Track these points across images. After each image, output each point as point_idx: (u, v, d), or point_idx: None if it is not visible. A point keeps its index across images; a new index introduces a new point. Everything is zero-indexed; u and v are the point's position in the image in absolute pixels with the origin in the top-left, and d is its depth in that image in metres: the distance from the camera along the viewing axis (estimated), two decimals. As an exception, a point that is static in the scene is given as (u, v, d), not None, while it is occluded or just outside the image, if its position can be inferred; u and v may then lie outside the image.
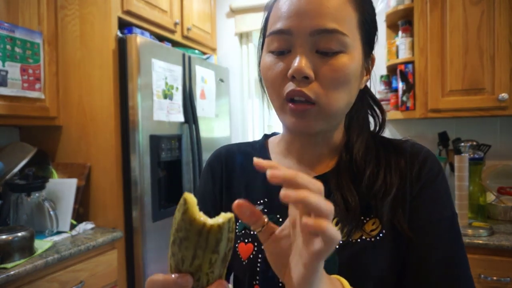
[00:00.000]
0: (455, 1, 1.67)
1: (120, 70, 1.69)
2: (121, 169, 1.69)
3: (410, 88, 1.80)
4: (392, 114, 1.98)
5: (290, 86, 0.52)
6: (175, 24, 2.07)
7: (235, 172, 0.67)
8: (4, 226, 1.40)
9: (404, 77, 1.82)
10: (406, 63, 1.82)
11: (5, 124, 1.62)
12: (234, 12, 2.57)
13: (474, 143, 1.77)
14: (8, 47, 1.49)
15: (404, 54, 1.85)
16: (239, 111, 2.62)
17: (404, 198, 0.56)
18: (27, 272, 1.21)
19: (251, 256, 0.58)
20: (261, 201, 0.62)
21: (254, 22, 2.52)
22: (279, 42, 0.53)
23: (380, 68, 2.19)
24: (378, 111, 0.65)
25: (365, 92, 0.65)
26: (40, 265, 1.25)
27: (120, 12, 1.70)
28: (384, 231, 0.54)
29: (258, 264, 0.57)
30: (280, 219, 0.59)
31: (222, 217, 0.36)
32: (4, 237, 1.24)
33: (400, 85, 1.85)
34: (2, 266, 1.19)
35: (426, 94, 1.73)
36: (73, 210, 1.61)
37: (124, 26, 1.76)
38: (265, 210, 0.61)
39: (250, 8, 2.51)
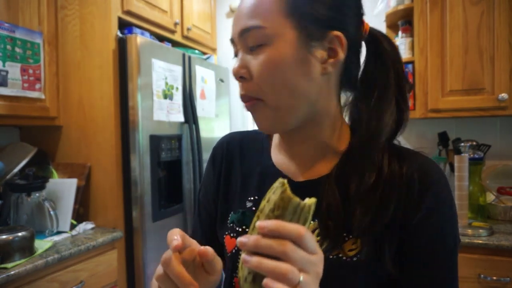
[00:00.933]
0: (455, 1, 1.67)
1: (120, 70, 1.69)
2: (121, 169, 1.69)
3: (410, 88, 1.80)
4: (392, 114, 1.98)
5: (240, 93, 0.55)
6: (175, 24, 2.07)
7: (235, 161, 0.67)
8: (4, 226, 1.40)
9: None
10: (406, 63, 1.82)
11: (5, 124, 1.63)
12: (234, 12, 2.57)
13: (474, 143, 1.77)
14: (8, 47, 1.50)
15: (404, 54, 1.85)
16: (239, 111, 2.62)
17: (394, 229, 0.52)
18: (27, 272, 1.21)
19: (234, 251, 0.60)
20: (252, 198, 0.62)
21: (254, 22, 2.52)
22: (233, 49, 0.57)
23: (380, 68, 2.19)
24: (403, 106, 0.56)
25: (386, 82, 0.56)
26: (40, 265, 1.25)
27: (120, 12, 1.70)
28: (362, 253, 0.51)
29: (238, 260, 0.57)
30: None
31: (309, 200, 0.40)
32: (4, 237, 1.24)
33: (400, 85, 1.85)
34: (3, 266, 1.19)
35: (426, 94, 1.73)
36: (73, 210, 1.61)
37: (124, 26, 1.76)
38: (253, 208, 0.60)
39: (250, 8, 2.51)
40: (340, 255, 0.52)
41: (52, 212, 1.51)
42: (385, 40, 0.58)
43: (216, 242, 0.64)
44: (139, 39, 1.67)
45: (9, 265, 1.19)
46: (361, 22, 0.56)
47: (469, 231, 1.46)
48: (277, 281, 0.35)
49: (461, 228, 1.49)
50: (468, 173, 1.53)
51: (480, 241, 1.40)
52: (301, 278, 0.36)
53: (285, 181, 0.39)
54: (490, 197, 1.78)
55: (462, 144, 1.74)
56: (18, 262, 1.22)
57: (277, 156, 0.63)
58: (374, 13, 2.11)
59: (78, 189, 1.65)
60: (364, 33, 0.57)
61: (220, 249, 0.61)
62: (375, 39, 0.58)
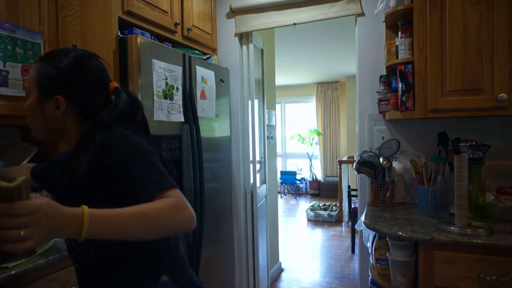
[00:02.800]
0: (455, 1, 1.67)
1: (120, 70, 1.69)
2: (122, 169, 1.69)
3: (409, 88, 1.81)
4: (392, 114, 1.98)
5: None
6: (176, 24, 2.08)
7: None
8: (5, 226, 1.41)
9: (403, 77, 1.82)
10: (405, 63, 1.82)
11: (6, 124, 1.63)
12: (234, 12, 2.58)
13: (474, 143, 1.77)
14: (9, 47, 1.50)
15: (403, 54, 1.86)
16: (239, 111, 2.63)
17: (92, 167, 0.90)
18: (28, 272, 1.21)
19: None
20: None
21: (254, 23, 2.52)
22: None
23: (379, 68, 2.20)
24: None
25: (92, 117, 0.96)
26: (41, 265, 1.25)
27: (121, 12, 1.70)
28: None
29: None
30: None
31: (17, 180, 0.62)
32: (5, 236, 1.24)
33: (400, 85, 1.86)
34: (3, 265, 1.19)
35: (425, 94, 1.74)
36: (73, 210, 1.61)
37: (124, 26, 1.76)
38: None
39: (250, 8, 2.51)
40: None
41: (52, 212, 1.51)
42: (117, 90, 1.00)
43: None
44: (140, 39, 1.68)
45: (9, 264, 1.20)
46: (95, 86, 0.99)
47: (469, 231, 1.47)
48: (1, 242, 0.61)
49: (460, 228, 1.49)
50: (468, 173, 1.53)
51: (480, 241, 1.40)
52: (22, 233, 0.61)
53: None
54: (490, 197, 1.78)
55: (462, 144, 1.74)
56: (18, 262, 1.23)
57: None
58: (373, 13, 2.11)
59: (79, 189, 1.65)
60: (109, 89, 1.00)
61: None
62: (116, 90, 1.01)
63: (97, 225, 0.71)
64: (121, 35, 1.70)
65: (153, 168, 0.87)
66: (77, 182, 0.88)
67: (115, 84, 1.01)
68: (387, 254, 1.68)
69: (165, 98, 1.83)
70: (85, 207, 0.71)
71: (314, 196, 7.69)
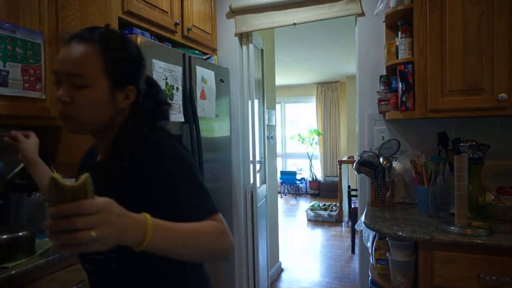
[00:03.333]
0: (455, 1, 1.67)
1: (120, 70, 1.69)
2: (122, 169, 1.69)
3: (409, 88, 1.81)
4: (392, 114, 1.98)
5: (59, 108, 0.83)
6: (176, 24, 2.08)
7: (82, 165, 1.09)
8: (5, 226, 1.41)
9: (403, 77, 1.82)
10: (405, 63, 1.82)
11: (6, 124, 1.63)
12: (234, 12, 2.57)
13: (474, 143, 1.77)
14: (9, 47, 1.50)
15: (403, 54, 1.85)
16: (239, 111, 2.63)
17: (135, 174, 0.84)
18: (28, 272, 1.21)
19: None
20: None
21: (254, 23, 2.52)
22: (56, 77, 0.84)
23: (379, 68, 2.20)
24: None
25: (140, 108, 0.91)
26: (41, 265, 1.25)
27: (121, 12, 1.70)
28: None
29: None
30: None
31: (81, 177, 0.56)
32: (5, 236, 1.24)
33: (400, 85, 1.85)
34: (3, 265, 1.19)
35: (425, 94, 1.74)
36: (73, 210, 1.61)
37: (124, 26, 1.76)
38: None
39: (250, 8, 2.51)
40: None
41: (52, 212, 1.51)
42: (150, 79, 0.96)
43: None
44: (140, 39, 1.68)
45: (9, 264, 1.20)
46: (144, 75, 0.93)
47: (469, 231, 1.46)
48: (75, 246, 0.55)
49: (460, 228, 1.49)
50: (468, 173, 1.53)
51: (480, 241, 1.40)
52: (94, 234, 0.55)
53: (56, 176, 0.54)
54: (490, 197, 1.78)
55: (462, 144, 1.74)
56: (18, 262, 1.23)
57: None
58: (373, 13, 2.11)
59: (79, 189, 1.65)
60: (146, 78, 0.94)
61: None
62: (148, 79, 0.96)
63: (158, 236, 0.66)
64: (121, 35, 1.70)
65: (201, 189, 0.82)
66: (113, 184, 0.82)
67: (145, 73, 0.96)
68: (387, 254, 1.68)
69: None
70: (147, 215, 0.66)
71: (314, 196, 7.69)
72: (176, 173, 0.81)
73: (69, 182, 0.55)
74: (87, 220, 0.55)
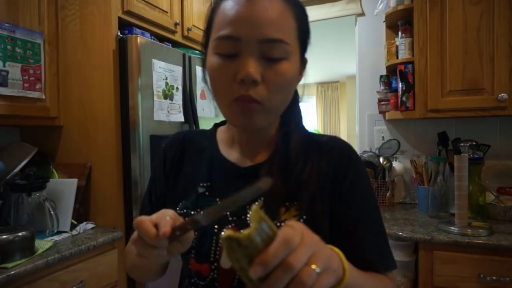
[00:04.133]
0: (455, 1, 1.67)
1: (120, 70, 1.69)
2: (122, 169, 1.69)
3: (409, 88, 1.80)
4: (392, 114, 1.98)
5: (239, 90, 0.58)
6: (175, 24, 2.07)
7: (186, 156, 0.75)
8: (5, 226, 1.41)
9: (403, 77, 1.82)
10: (405, 63, 1.82)
11: (6, 124, 1.63)
12: (234, 12, 2.57)
13: (474, 143, 1.77)
14: (8, 47, 1.50)
15: (403, 54, 1.85)
16: (239, 111, 2.62)
17: (324, 190, 0.64)
18: (28, 272, 1.21)
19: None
20: (204, 184, 0.69)
21: (254, 23, 2.52)
22: (228, 46, 0.58)
23: (380, 68, 2.20)
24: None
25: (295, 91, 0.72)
26: (41, 265, 1.25)
27: (121, 12, 1.70)
28: (304, 217, 0.62)
29: (194, 240, 0.63)
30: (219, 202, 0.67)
31: (255, 206, 0.40)
32: (4, 237, 1.24)
33: (400, 85, 1.85)
34: (3, 266, 1.19)
35: (425, 94, 1.74)
36: (73, 210, 1.61)
37: (124, 26, 1.76)
38: (207, 193, 0.68)
39: (250, 8, 2.51)
40: (287, 220, 0.61)
41: (52, 212, 1.51)
42: None
43: None
44: (140, 39, 1.67)
45: (9, 265, 1.19)
46: None
47: (469, 231, 1.46)
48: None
49: (461, 228, 1.49)
50: (468, 173, 1.53)
51: (480, 241, 1.40)
52: (316, 269, 0.38)
53: (229, 235, 0.39)
54: (490, 197, 1.78)
55: (462, 144, 1.74)
56: (18, 262, 1.22)
57: (228, 151, 0.72)
58: (374, 13, 2.11)
59: (79, 189, 1.65)
60: None
61: None
62: None
63: (350, 279, 0.48)
64: (121, 35, 1.69)
65: (384, 230, 0.67)
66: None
67: None
68: (387, 254, 1.68)
69: (165, 98, 1.83)
70: (336, 249, 0.48)
71: (314, 196, 7.69)
72: (368, 194, 0.66)
73: (237, 232, 0.38)
74: (300, 253, 0.38)
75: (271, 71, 0.58)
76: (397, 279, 1.61)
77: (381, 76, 2.09)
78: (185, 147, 0.75)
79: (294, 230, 0.39)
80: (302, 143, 0.67)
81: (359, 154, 2.10)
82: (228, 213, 0.64)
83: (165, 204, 0.73)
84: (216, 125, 0.79)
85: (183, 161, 0.74)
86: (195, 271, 0.65)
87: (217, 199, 0.66)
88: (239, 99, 0.58)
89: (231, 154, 0.71)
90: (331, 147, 0.67)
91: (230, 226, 0.63)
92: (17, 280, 1.19)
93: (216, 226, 0.64)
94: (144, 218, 0.48)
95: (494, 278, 1.38)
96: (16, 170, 1.58)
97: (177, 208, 0.69)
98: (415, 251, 1.59)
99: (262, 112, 0.60)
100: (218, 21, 0.60)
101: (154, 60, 1.75)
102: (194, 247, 0.65)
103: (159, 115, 1.79)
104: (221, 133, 0.76)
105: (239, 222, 0.63)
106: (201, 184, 0.69)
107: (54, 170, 1.72)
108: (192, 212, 0.67)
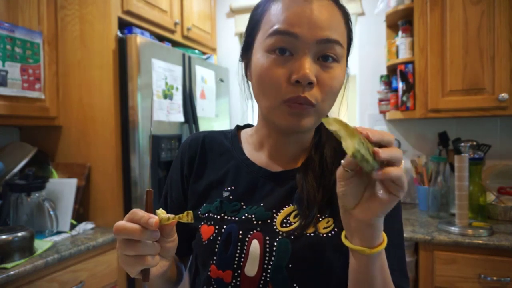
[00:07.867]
0: (455, 1, 1.67)
1: (120, 70, 1.69)
2: (121, 169, 1.69)
3: (410, 88, 1.80)
4: (392, 114, 1.98)
5: (294, 91, 0.56)
6: (175, 24, 2.07)
7: (208, 157, 0.72)
8: (4, 226, 1.40)
9: (404, 77, 1.82)
10: (406, 63, 1.82)
11: (5, 124, 1.62)
12: (234, 12, 2.57)
13: (474, 143, 1.76)
14: (8, 47, 1.50)
15: (404, 54, 1.85)
16: (239, 111, 2.62)
17: None
18: (27, 272, 1.21)
19: (211, 238, 0.63)
20: (228, 188, 0.67)
21: (254, 22, 2.51)
22: (283, 43, 0.56)
23: (380, 68, 2.19)
24: None
25: None
26: (40, 265, 1.25)
27: (120, 12, 1.70)
28: (335, 230, 0.60)
29: (217, 246, 0.62)
30: (244, 206, 0.64)
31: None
32: (4, 237, 1.24)
33: (400, 85, 1.85)
34: (2, 266, 1.19)
35: (426, 94, 1.73)
36: (73, 210, 1.61)
37: (124, 26, 1.76)
38: (231, 197, 0.66)
39: (250, 8, 2.50)
40: (317, 232, 0.60)
41: (52, 212, 1.51)
42: None
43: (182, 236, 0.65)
44: (139, 39, 1.67)
45: (8, 265, 1.19)
46: None
47: (470, 231, 1.46)
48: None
49: (461, 228, 1.49)
50: (468, 173, 1.52)
51: (481, 241, 1.40)
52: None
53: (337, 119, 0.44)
54: (490, 197, 1.78)
55: (462, 144, 1.74)
56: (18, 262, 1.22)
57: (254, 154, 0.70)
58: (374, 13, 2.11)
59: (78, 189, 1.64)
60: None
61: (184, 239, 0.65)
62: None
63: (381, 255, 0.53)
64: (121, 35, 1.69)
65: (403, 244, 0.66)
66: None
67: None
68: (387, 255, 1.67)
69: (165, 98, 1.82)
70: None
71: (314, 196, 7.67)
72: (395, 208, 0.59)
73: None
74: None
75: (326, 74, 0.57)
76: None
77: (382, 76, 2.09)
78: (205, 149, 0.72)
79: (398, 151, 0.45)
80: (335, 152, 0.65)
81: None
82: (253, 217, 0.63)
83: (181, 206, 0.71)
84: (239, 127, 0.77)
85: (204, 162, 0.71)
86: (216, 278, 0.62)
87: (242, 203, 0.64)
88: (292, 100, 0.56)
89: (258, 158, 0.68)
90: None
91: (255, 231, 0.61)
92: (16, 280, 1.19)
93: (240, 232, 0.61)
94: (120, 222, 0.49)
95: (494, 278, 1.38)
96: (16, 170, 1.58)
97: (199, 212, 0.67)
98: (415, 251, 1.59)
99: (313, 114, 0.58)
100: (271, 19, 0.58)
101: (153, 60, 1.75)
102: (216, 253, 0.62)
103: (159, 115, 1.78)
104: (246, 135, 0.74)
105: (264, 227, 0.61)
106: (226, 188, 0.67)
107: (53, 170, 1.71)
108: (216, 216, 0.65)
